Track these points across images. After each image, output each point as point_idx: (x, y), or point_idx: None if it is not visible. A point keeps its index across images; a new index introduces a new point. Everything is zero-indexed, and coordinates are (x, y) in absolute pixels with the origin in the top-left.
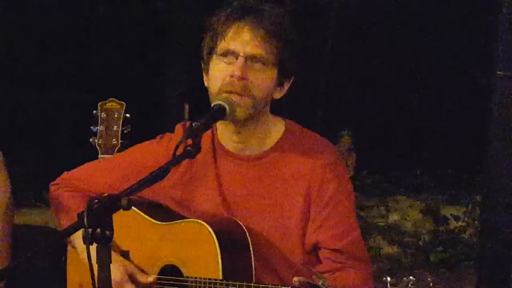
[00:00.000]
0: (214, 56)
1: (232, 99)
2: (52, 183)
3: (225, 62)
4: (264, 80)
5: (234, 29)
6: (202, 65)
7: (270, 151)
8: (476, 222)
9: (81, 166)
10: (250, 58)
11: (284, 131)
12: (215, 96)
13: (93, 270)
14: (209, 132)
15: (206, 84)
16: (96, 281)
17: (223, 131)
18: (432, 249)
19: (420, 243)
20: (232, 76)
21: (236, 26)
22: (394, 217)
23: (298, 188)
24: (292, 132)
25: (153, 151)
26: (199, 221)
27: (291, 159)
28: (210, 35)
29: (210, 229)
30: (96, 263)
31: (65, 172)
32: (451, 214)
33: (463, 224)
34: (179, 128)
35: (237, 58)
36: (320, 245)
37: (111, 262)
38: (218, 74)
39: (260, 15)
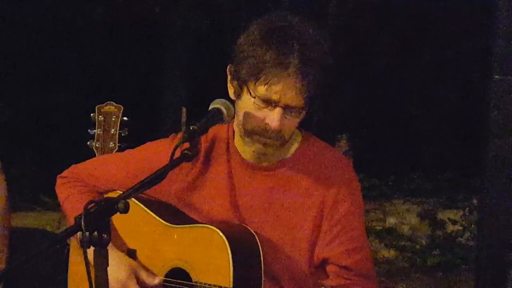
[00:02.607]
0: (251, 94)
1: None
2: (60, 175)
3: (262, 106)
4: (295, 123)
5: (278, 80)
6: (233, 84)
7: (285, 163)
8: (473, 225)
9: (90, 161)
10: (288, 107)
11: (301, 143)
12: (245, 132)
13: (90, 273)
14: (224, 136)
15: (232, 97)
16: (93, 284)
17: (241, 140)
18: (429, 253)
19: (417, 246)
20: (267, 124)
21: (281, 77)
22: (391, 221)
23: (311, 202)
24: (309, 144)
25: (165, 150)
26: (211, 227)
27: (306, 173)
28: (250, 66)
29: (222, 236)
30: (94, 266)
31: (74, 165)
32: (448, 218)
33: (460, 227)
34: None
35: (275, 106)
36: (329, 261)
37: (108, 265)
38: (253, 115)
39: (307, 62)
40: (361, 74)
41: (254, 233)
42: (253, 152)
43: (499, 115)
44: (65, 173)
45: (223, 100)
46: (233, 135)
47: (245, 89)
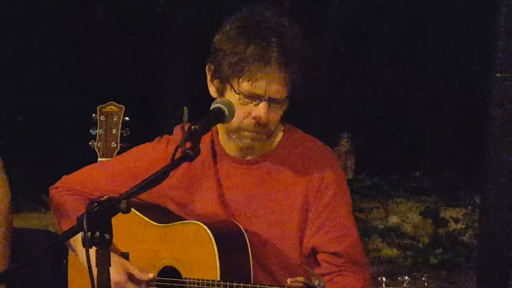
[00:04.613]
0: (235, 91)
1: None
2: (51, 186)
3: (247, 102)
4: (280, 114)
5: (261, 75)
6: (214, 83)
7: (269, 155)
8: (475, 224)
9: (81, 170)
10: (272, 100)
11: (283, 135)
12: (232, 129)
13: (92, 273)
14: (208, 134)
15: (213, 95)
16: (95, 284)
17: (226, 137)
18: (432, 251)
19: (420, 245)
20: (254, 118)
21: (264, 72)
22: (393, 219)
23: (296, 192)
24: (291, 136)
25: (152, 153)
26: (198, 222)
27: (289, 163)
28: (231, 63)
29: (208, 231)
30: (96, 266)
31: (65, 176)
32: (450, 216)
33: (463, 226)
34: (177, 130)
35: (260, 101)
36: (319, 249)
37: (110, 265)
38: (238, 111)
39: (288, 54)
40: (362, 73)
41: (241, 227)
42: (241, 147)
43: (501, 113)
44: (57, 184)
45: (225, 99)
46: (217, 132)
47: (228, 87)
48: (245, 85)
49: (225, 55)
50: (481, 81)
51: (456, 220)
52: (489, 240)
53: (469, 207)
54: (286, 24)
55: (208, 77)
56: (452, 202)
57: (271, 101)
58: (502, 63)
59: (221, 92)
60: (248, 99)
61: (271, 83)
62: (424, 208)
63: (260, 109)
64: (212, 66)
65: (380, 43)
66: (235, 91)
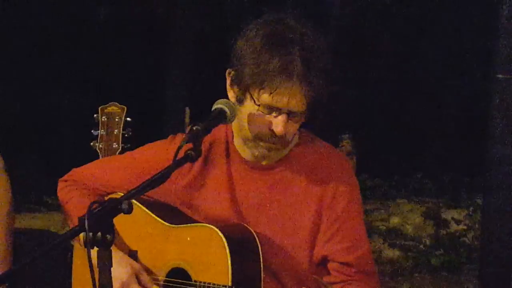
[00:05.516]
0: (255, 101)
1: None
2: (60, 179)
3: (266, 113)
4: (297, 126)
5: (283, 89)
6: (233, 89)
7: (283, 161)
8: (477, 225)
9: (91, 163)
10: (291, 113)
11: (299, 142)
12: (249, 138)
13: (94, 274)
14: (223, 136)
15: (232, 101)
16: (97, 285)
17: (241, 141)
18: (433, 253)
19: (421, 246)
20: (272, 130)
21: (286, 86)
22: (395, 221)
23: (309, 199)
24: (306, 142)
25: (165, 151)
26: (211, 225)
27: (304, 170)
28: (253, 73)
29: (221, 235)
30: (97, 266)
31: (74, 169)
32: (452, 217)
33: (464, 227)
34: None
35: (279, 113)
36: (329, 258)
37: (112, 266)
38: (257, 122)
39: (311, 69)
40: (364, 75)
41: (253, 232)
42: (257, 155)
43: (502, 114)
44: (66, 176)
45: (226, 100)
46: (232, 136)
47: (248, 96)
48: (265, 97)
49: (246, 63)
50: (483, 83)
51: (458, 221)
52: (491, 241)
53: (471, 208)
54: (310, 34)
55: (228, 82)
56: (453, 203)
57: (290, 113)
58: (503, 65)
59: (240, 100)
60: (267, 111)
61: (292, 97)
62: (426, 209)
63: (279, 121)
64: (233, 72)
65: (382, 45)
66: (254, 102)
